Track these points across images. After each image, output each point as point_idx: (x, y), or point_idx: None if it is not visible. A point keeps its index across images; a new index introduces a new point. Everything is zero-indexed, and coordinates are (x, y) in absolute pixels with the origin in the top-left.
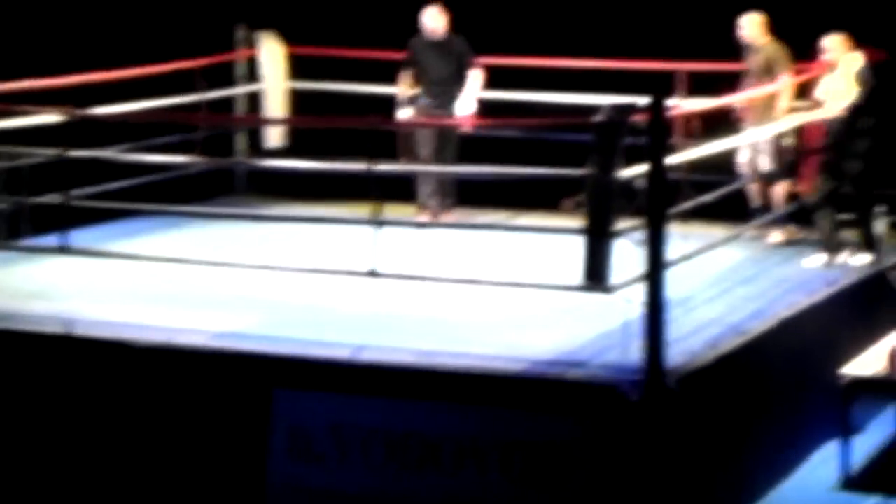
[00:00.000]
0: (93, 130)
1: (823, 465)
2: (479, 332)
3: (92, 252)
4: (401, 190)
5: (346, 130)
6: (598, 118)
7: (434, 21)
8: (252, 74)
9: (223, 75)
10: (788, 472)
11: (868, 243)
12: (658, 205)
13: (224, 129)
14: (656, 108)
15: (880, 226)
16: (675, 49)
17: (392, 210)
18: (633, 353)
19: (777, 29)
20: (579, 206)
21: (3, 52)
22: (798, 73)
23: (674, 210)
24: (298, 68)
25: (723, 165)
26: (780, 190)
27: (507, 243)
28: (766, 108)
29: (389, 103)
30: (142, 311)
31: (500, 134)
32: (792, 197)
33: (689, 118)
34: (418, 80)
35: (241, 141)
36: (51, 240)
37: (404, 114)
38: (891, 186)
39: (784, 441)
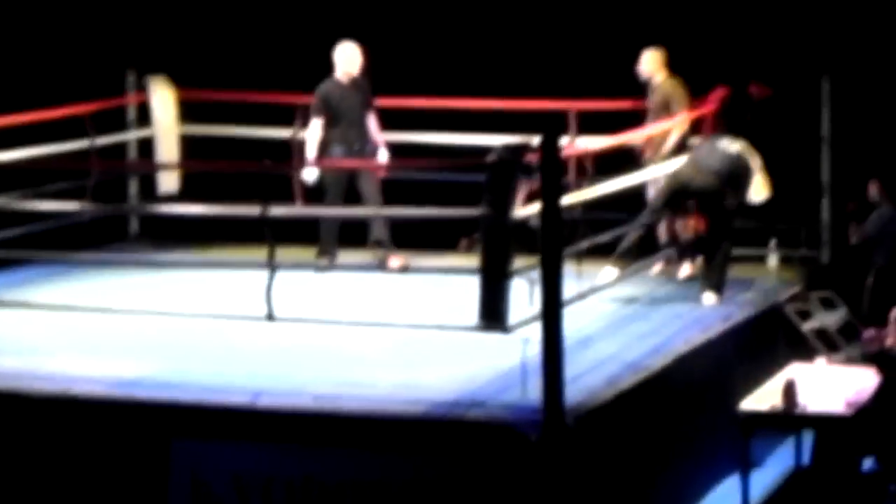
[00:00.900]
0: None
1: (725, 499)
2: (378, 373)
3: None
4: (295, 233)
5: (238, 174)
6: (491, 158)
7: (356, 59)
8: (143, 119)
9: (114, 120)
10: None
11: (716, 284)
12: (553, 244)
13: (116, 174)
14: (549, 147)
15: (772, 259)
16: (565, 88)
17: (287, 253)
18: (532, 392)
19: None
20: (475, 246)
21: None
22: (694, 109)
23: (570, 249)
24: (188, 112)
25: (621, 203)
26: (681, 225)
27: (403, 284)
28: (661, 145)
29: (280, 146)
30: (36, 361)
31: (394, 176)
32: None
33: (581, 157)
34: (329, 124)
35: (133, 186)
36: None
37: (312, 174)
38: (781, 221)
39: (685, 476)
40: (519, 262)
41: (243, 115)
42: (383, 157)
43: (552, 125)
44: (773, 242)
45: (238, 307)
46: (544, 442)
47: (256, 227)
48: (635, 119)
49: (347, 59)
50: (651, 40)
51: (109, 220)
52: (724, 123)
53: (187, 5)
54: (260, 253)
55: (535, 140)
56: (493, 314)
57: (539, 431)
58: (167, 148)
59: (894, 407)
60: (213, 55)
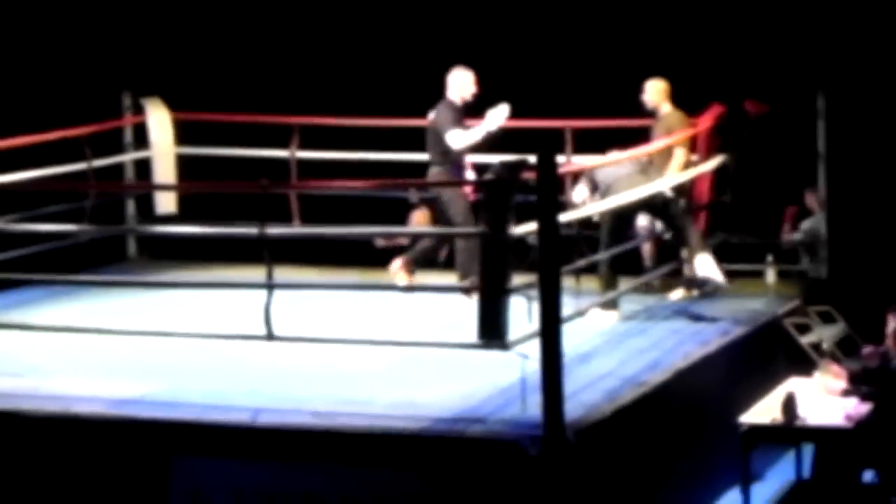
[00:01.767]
0: None
1: None
2: (378, 390)
3: None
4: (292, 252)
5: (235, 194)
6: (488, 176)
7: (472, 85)
8: (140, 141)
9: (111, 142)
10: None
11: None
12: (551, 261)
13: (114, 196)
14: (546, 165)
15: (770, 275)
16: (561, 107)
17: (285, 272)
18: (532, 408)
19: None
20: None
21: None
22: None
23: (568, 267)
24: (184, 134)
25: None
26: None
27: (402, 302)
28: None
29: (277, 166)
30: (36, 381)
31: (391, 194)
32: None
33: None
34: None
35: (131, 207)
36: None
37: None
38: (778, 237)
39: (686, 490)
40: (517, 279)
41: (239, 136)
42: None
43: (549, 143)
44: (770, 257)
45: (237, 326)
46: (545, 457)
47: (254, 247)
48: (631, 137)
49: (466, 83)
50: (647, 58)
51: (107, 241)
52: (720, 140)
53: (182, 28)
54: (258, 272)
55: (532, 158)
56: (492, 331)
57: (539, 447)
58: (164, 169)
59: (894, 420)
60: (207, 77)
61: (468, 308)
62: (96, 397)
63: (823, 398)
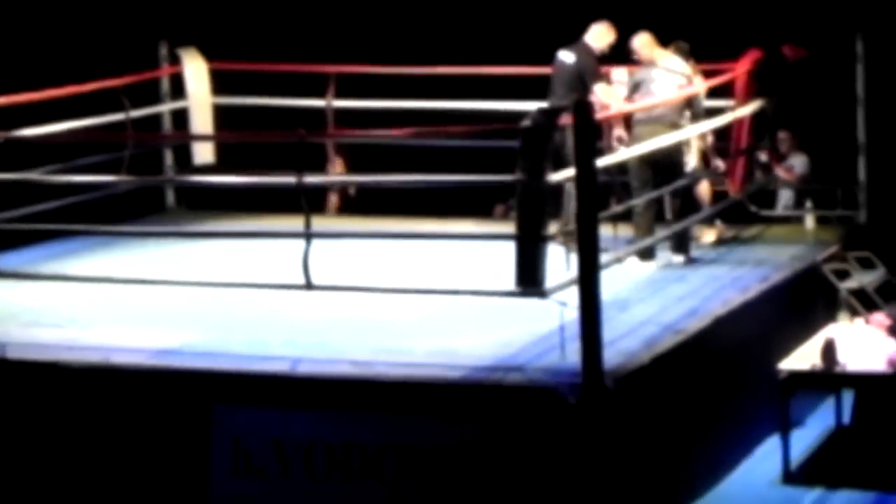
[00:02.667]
0: (18, 152)
1: (765, 459)
2: (416, 339)
3: (22, 275)
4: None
5: (272, 144)
6: (525, 123)
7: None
8: (176, 91)
9: (148, 93)
10: (731, 467)
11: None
12: (588, 208)
13: (151, 146)
14: (582, 111)
15: (809, 220)
16: None
17: (323, 222)
18: (571, 355)
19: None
20: (510, 213)
21: None
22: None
23: (605, 213)
24: (221, 84)
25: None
26: (704, 189)
27: (440, 251)
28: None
29: (314, 115)
30: (76, 332)
31: (429, 143)
32: (718, 196)
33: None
34: None
35: (169, 158)
36: None
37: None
38: (817, 181)
39: (725, 437)
40: (554, 226)
41: (276, 86)
42: None
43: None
44: (809, 203)
45: (276, 276)
46: (584, 404)
47: (292, 196)
48: None
49: (608, 36)
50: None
51: (146, 192)
52: (759, 85)
53: None
54: (296, 222)
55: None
56: (529, 279)
57: (578, 394)
58: (201, 119)
59: None
60: (243, 26)
61: (507, 256)
62: (136, 348)
63: (864, 343)
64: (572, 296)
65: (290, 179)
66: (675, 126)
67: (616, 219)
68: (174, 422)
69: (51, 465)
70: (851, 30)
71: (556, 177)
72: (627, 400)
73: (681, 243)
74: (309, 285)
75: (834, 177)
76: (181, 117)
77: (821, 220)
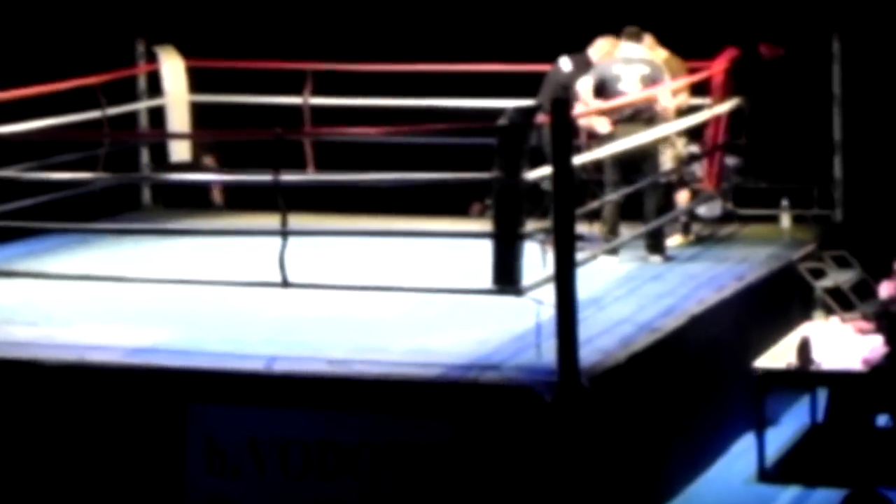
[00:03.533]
0: None
1: (741, 457)
2: (392, 337)
3: None
4: (307, 199)
5: (249, 141)
6: (501, 121)
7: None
8: (153, 89)
9: (124, 90)
10: (707, 466)
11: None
12: (565, 206)
13: (128, 144)
14: (559, 110)
15: (785, 219)
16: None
17: (299, 220)
18: (546, 353)
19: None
20: (487, 211)
21: None
22: (703, 70)
23: (581, 210)
24: (198, 81)
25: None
26: (682, 196)
27: (417, 250)
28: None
29: (291, 113)
30: (52, 330)
31: (405, 140)
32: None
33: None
34: None
35: (145, 156)
36: None
37: None
38: (793, 180)
39: (701, 436)
40: (531, 224)
41: (253, 83)
42: None
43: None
44: (785, 202)
45: (252, 274)
46: (560, 403)
47: (269, 194)
48: None
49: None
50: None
51: (122, 190)
52: (735, 84)
53: None
54: (273, 220)
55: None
56: (506, 277)
57: (554, 393)
58: (178, 117)
59: None
60: (220, 24)
61: (482, 254)
62: (112, 346)
63: (839, 342)
64: (549, 294)
65: (266, 177)
66: (652, 121)
67: (592, 216)
68: (149, 420)
69: (26, 463)
70: (828, 29)
71: (532, 175)
72: (603, 398)
73: (656, 243)
74: (285, 283)
75: (810, 176)
76: (158, 115)
77: (797, 219)
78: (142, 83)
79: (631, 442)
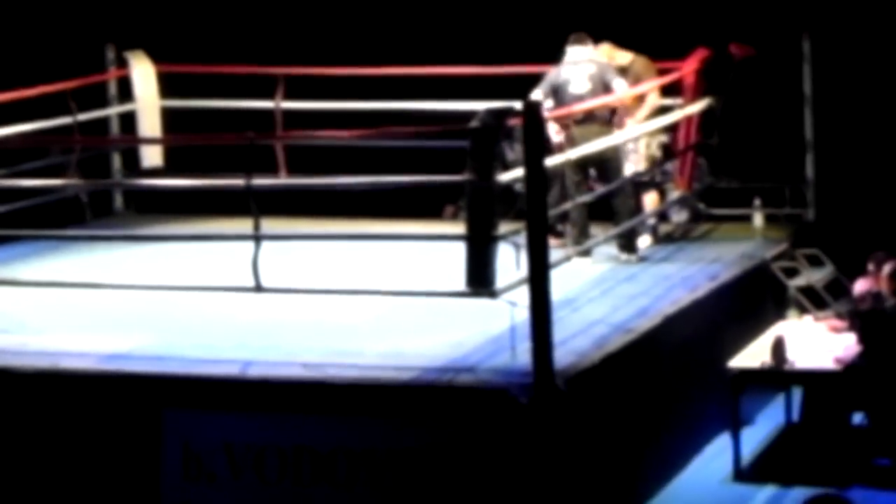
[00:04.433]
0: None
1: (716, 457)
2: (367, 341)
3: None
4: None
5: (221, 146)
6: (473, 124)
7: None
8: (124, 94)
9: (95, 96)
10: (682, 466)
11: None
12: (538, 207)
13: (99, 150)
14: (531, 112)
15: (758, 218)
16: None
17: (272, 224)
18: (521, 355)
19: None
20: (460, 213)
21: None
22: (672, 72)
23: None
24: (169, 86)
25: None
26: (650, 198)
27: (390, 253)
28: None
29: (262, 117)
30: (25, 337)
31: (377, 144)
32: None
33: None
34: None
35: (117, 161)
36: None
37: None
38: (765, 180)
39: (677, 435)
40: (504, 226)
41: (224, 88)
42: None
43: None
44: (757, 201)
45: (225, 279)
46: (535, 405)
47: (241, 199)
48: None
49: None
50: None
51: (94, 196)
52: (706, 84)
53: None
54: (245, 224)
55: (517, 104)
56: (480, 279)
57: (529, 394)
58: (149, 122)
59: (883, 362)
60: (191, 29)
61: (456, 257)
62: (85, 352)
63: (813, 340)
64: (523, 296)
65: (238, 182)
66: (608, 124)
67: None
68: (124, 426)
69: (0, 471)
70: (798, 29)
71: (504, 177)
72: (579, 400)
73: (628, 243)
74: (259, 288)
75: (782, 175)
76: (129, 120)
77: (769, 219)
78: (112, 88)
79: (607, 443)
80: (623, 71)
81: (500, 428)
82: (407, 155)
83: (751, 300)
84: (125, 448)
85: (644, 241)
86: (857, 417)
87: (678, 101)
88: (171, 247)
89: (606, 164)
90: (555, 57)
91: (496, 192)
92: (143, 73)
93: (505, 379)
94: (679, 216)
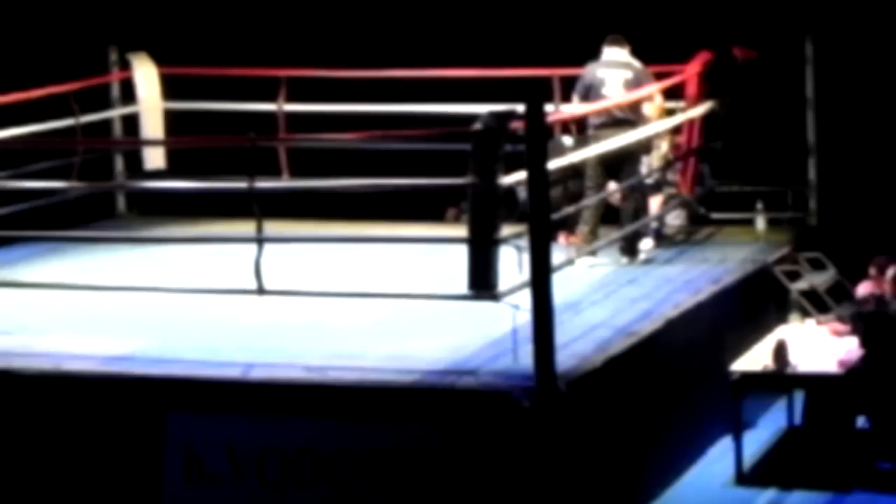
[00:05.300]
0: None
1: (718, 460)
2: (369, 344)
3: None
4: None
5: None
6: (476, 127)
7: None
8: (127, 96)
9: (98, 98)
10: (684, 469)
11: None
12: (540, 211)
13: (102, 152)
14: (534, 114)
15: (760, 222)
16: (548, 55)
17: (275, 227)
18: (523, 358)
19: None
20: (462, 215)
21: None
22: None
23: (556, 216)
24: (171, 88)
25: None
26: (655, 200)
27: (393, 255)
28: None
29: (265, 119)
30: (28, 339)
31: (380, 146)
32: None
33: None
34: None
35: (119, 163)
36: None
37: None
38: (768, 183)
39: (679, 439)
40: (507, 229)
41: (227, 90)
42: None
43: (537, 92)
44: (760, 205)
45: (228, 281)
46: (537, 408)
47: (244, 201)
48: None
49: None
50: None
51: (96, 198)
52: (709, 86)
53: None
54: (248, 227)
55: (520, 107)
56: (482, 282)
57: (531, 397)
58: (152, 124)
59: (886, 365)
60: (194, 31)
61: (458, 260)
62: (88, 354)
63: (815, 344)
64: (525, 299)
65: (241, 184)
66: (631, 126)
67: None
68: (126, 428)
69: (2, 473)
70: (801, 32)
71: (507, 179)
72: (580, 403)
73: (630, 246)
74: (261, 290)
75: (784, 178)
76: (132, 122)
77: (772, 222)
78: (115, 90)
79: (608, 446)
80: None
81: (502, 431)
82: (409, 158)
83: (753, 304)
84: (127, 450)
85: (647, 244)
86: (860, 421)
87: (681, 104)
88: (174, 249)
89: (628, 166)
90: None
91: (498, 195)
92: (145, 75)
93: (507, 382)
94: (676, 220)
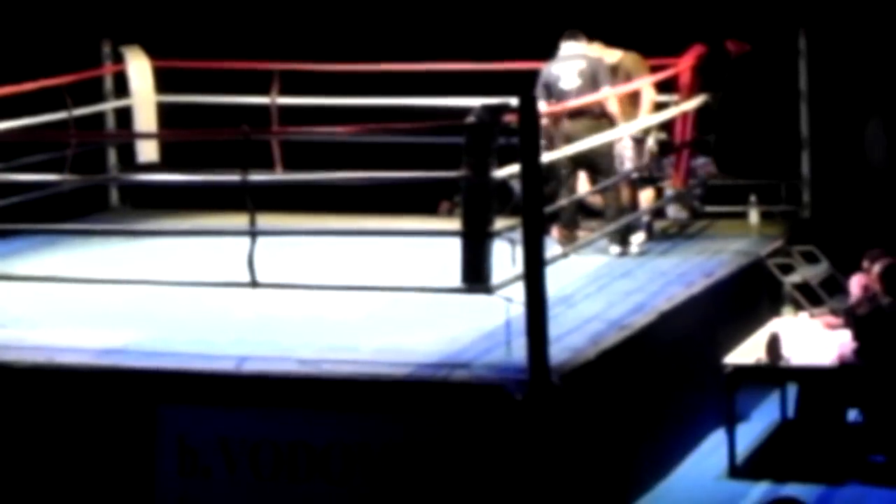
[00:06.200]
0: None
1: (712, 454)
2: (362, 337)
3: None
4: (275, 199)
5: (217, 141)
6: (469, 120)
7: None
8: (120, 89)
9: (91, 91)
10: (677, 462)
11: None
12: (533, 204)
13: (95, 145)
14: (527, 108)
15: (753, 215)
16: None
17: (268, 220)
18: (517, 351)
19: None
20: (455, 209)
21: None
22: (669, 68)
23: (550, 208)
24: (164, 82)
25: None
26: (646, 194)
27: (386, 248)
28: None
29: (258, 113)
30: (20, 332)
31: (373, 140)
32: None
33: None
34: None
35: (112, 156)
36: None
37: None
38: (761, 176)
39: (672, 432)
40: (500, 223)
41: (220, 83)
42: None
43: (530, 85)
44: (753, 198)
45: (221, 274)
46: (530, 401)
47: (237, 194)
48: None
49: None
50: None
51: (89, 191)
52: (702, 80)
53: None
54: (241, 220)
55: (514, 101)
56: (475, 275)
57: (525, 390)
58: (145, 117)
59: (879, 358)
60: (187, 24)
61: (451, 253)
62: (81, 347)
63: (808, 337)
64: (518, 292)
65: (234, 177)
66: (602, 117)
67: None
68: (119, 421)
69: None
70: (794, 25)
71: (500, 172)
72: (574, 396)
73: (619, 236)
74: (254, 283)
75: (778, 172)
76: (125, 115)
77: (765, 215)
78: (108, 84)
79: (602, 439)
80: (613, 69)
81: (495, 424)
82: (402, 151)
83: (746, 297)
84: (120, 443)
85: (638, 238)
86: (853, 414)
87: (674, 97)
88: (167, 242)
89: (597, 159)
90: (550, 54)
91: (492, 188)
92: (139, 68)
93: (500, 375)
94: (678, 213)
